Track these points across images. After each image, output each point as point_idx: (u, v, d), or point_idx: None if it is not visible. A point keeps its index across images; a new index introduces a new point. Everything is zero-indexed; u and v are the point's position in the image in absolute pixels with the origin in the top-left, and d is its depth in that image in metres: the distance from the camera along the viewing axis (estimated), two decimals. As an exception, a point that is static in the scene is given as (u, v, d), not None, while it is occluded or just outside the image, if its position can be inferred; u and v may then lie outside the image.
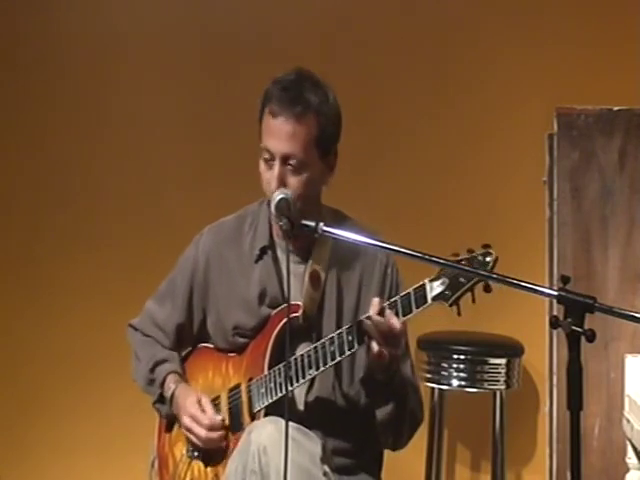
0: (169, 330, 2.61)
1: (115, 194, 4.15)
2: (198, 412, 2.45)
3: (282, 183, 2.36)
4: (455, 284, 2.23)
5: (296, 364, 2.38)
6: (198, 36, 4.15)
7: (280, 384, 2.38)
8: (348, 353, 2.35)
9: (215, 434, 2.44)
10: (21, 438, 4.15)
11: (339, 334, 2.35)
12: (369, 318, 2.29)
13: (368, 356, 2.35)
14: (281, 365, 2.38)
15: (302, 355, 2.38)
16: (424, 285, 2.26)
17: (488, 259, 2.21)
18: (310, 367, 2.37)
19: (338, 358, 2.35)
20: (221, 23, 4.12)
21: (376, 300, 2.30)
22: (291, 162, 2.36)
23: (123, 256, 4.10)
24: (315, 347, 2.37)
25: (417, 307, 2.27)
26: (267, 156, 2.38)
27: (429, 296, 2.25)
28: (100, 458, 4.10)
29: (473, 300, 2.24)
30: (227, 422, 2.47)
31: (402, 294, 2.30)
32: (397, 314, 2.28)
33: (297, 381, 2.38)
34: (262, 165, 2.40)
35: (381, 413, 2.43)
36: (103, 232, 4.13)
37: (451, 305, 2.24)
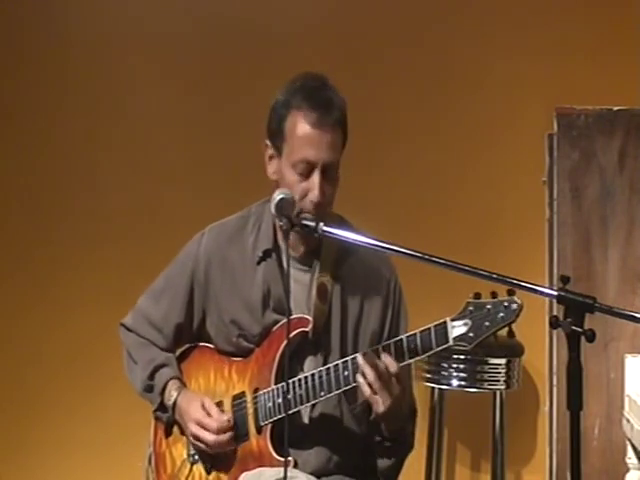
0: (167, 329, 2.55)
1: (116, 194, 4.14)
2: (204, 417, 2.42)
3: (324, 192, 2.32)
4: (479, 327, 2.21)
5: (307, 383, 2.35)
6: (198, 36, 4.14)
7: (289, 401, 2.35)
8: None
9: (224, 437, 2.41)
10: (22, 438, 4.14)
11: (353, 359, 2.31)
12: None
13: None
14: (290, 381, 2.35)
15: (313, 375, 2.35)
16: (445, 323, 2.23)
17: (514, 307, 2.18)
18: (322, 389, 2.33)
19: (353, 384, 2.31)
20: (221, 23, 4.12)
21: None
22: (329, 170, 2.32)
23: (124, 257, 4.09)
24: (328, 368, 2.34)
25: (437, 345, 2.24)
26: (303, 169, 2.32)
27: (450, 336, 2.23)
28: (100, 459, 4.09)
29: (495, 338, 2.24)
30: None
31: (421, 329, 2.26)
32: (416, 349, 2.25)
33: (307, 401, 2.35)
34: (294, 176, 2.33)
35: (382, 463, 2.44)
36: (104, 233, 4.13)
37: (472, 348, 2.24)
